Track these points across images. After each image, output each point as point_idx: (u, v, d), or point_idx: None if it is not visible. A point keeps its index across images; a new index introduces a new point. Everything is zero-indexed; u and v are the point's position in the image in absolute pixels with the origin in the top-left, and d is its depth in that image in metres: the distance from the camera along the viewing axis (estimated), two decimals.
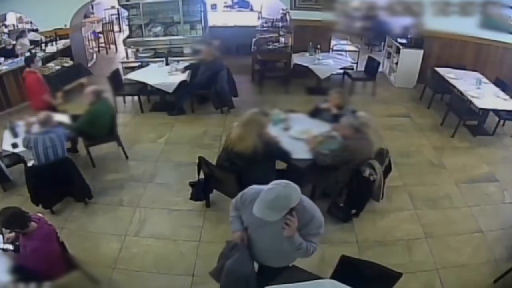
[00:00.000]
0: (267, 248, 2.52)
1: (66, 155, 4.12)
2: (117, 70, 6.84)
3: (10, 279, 2.54)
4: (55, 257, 2.93)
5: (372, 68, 7.16)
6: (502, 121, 5.84)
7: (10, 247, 2.86)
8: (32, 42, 7.74)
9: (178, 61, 6.88)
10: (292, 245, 2.34)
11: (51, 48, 7.36)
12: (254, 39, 7.82)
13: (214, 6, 9.91)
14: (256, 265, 2.62)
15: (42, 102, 5.07)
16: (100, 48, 10.05)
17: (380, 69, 7.40)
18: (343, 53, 8.08)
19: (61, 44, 7.55)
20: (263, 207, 2.19)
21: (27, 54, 6.98)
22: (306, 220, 2.36)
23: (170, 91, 6.13)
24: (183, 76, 6.28)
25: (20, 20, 9.22)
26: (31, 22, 8.71)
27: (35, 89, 5.18)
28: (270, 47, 7.58)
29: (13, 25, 9.06)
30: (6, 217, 2.73)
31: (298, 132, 4.30)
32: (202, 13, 7.82)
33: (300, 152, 3.91)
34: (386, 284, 2.51)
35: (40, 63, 5.54)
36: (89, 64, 8.63)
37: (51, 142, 3.95)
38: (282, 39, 7.75)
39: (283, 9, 8.66)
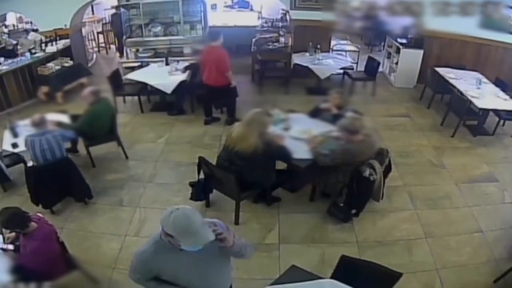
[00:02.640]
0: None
1: (64, 155, 4.10)
2: (117, 70, 6.84)
3: (10, 279, 2.54)
4: (55, 257, 2.93)
5: (372, 68, 7.16)
6: (502, 121, 5.84)
7: (10, 247, 2.87)
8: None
9: (178, 61, 6.88)
10: (238, 253, 2.16)
11: (51, 48, 7.36)
12: (254, 39, 7.82)
13: (214, 6, 9.91)
14: None
15: (224, 78, 5.53)
16: (100, 48, 10.06)
17: (380, 69, 7.40)
18: (343, 53, 8.08)
19: (61, 44, 7.55)
20: (194, 235, 1.85)
21: (27, 54, 7.01)
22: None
23: (170, 91, 6.12)
24: (183, 76, 6.29)
25: (20, 20, 9.22)
26: (31, 22, 8.71)
27: (223, 64, 5.48)
28: (270, 47, 7.59)
29: (13, 25, 9.06)
30: (6, 217, 2.73)
31: (298, 132, 4.30)
32: (202, 13, 7.83)
33: (300, 152, 3.91)
34: (386, 284, 2.51)
35: (222, 40, 5.61)
36: (89, 64, 8.63)
37: (48, 143, 3.91)
38: (282, 39, 7.76)
39: (283, 9, 8.66)
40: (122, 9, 7.66)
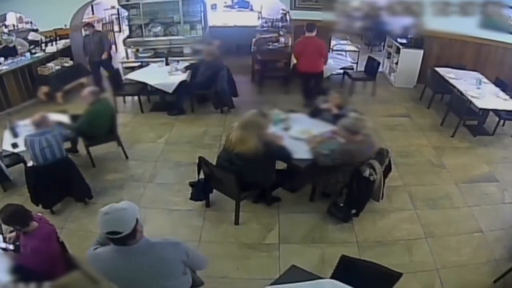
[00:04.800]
0: None
1: (64, 155, 4.10)
2: (117, 70, 6.84)
3: (10, 279, 2.54)
4: (55, 257, 2.93)
5: (372, 68, 7.16)
6: (502, 121, 5.84)
7: (11, 246, 2.87)
8: (32, 42, 7.74)
9: (178, 61, 6.89)
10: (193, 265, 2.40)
11: (51, 48, 7.36)
12: (254, 39, 7.82)
13: (214, 6, 9.92)
14: None
15: (322, 64, 6.24)
16: None
17: (380, 69, 7.40)
18: (343, 53, 8.08)
19: (61, 44, 7.55)
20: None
21: (27, 54, 7.01)
22: None
23: (170, 91, 6.13)
24: (183, 76, 6.29)
25: (20, 20, 9.22)
26: (31, 22, 8.72)
27: (324, 51, 6.24)
28: (270, 47, 7.58)
29: (13, 25, 9.07)
30: (8, 213, 2.74)
31: (298, 132, 4.30)
32: (202, 13, 7.84)
33: (300, 152, 3.91)
34: (386, 284, 2.51)
35: (316, 31, 6.14)
36: None
37: (47, 142, 3.91)
38: (282, 39, 7.75)
39: (283, 9, 8.66)
40: (122, 9, 7.66)
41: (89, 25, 7.14)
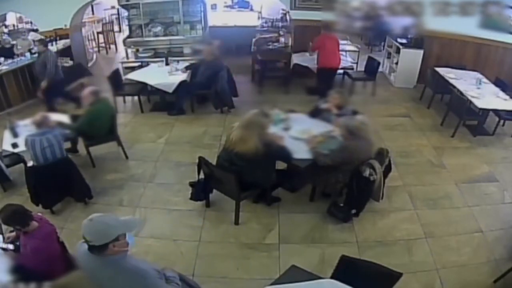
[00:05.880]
0: None
1: (64, 155, 4.11)
2: (117, 70, 6.84)
3: (10, 279, 2.54)
4: (55, 257, 2.93)
5: (372, 68, 7.15)
6: (502, 121, 5.84)
7: (11, 246, 2.87)
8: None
9: (178, 61, 6.89)
10: None
11: (51, 48, 7.34)
12: (254, 39, 7.83)
13: (214, 6, 9.92)
14: None
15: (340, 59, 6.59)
16: (100, 48, 10.06)
17: (380, 69, 7.39)
18: (343, 53, 8.06)
19: (61, 44, 7.55)
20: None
21: (27, 54, 7.01)
22: None
23: (170, 91, 6.13)
24: (183, 76, 6.29)
25: (20, 20, 9.22)
26: (31, 22, 8.72)
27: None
28: (270, 47, 7.59)
29: (13, 25, 9.06)
30: (8, 213, 2.75)
31: (298, 132, 4.30)
32: (202, 13, 7.83)
33: (300, 152, 3.92)
34: (386, 284, 2.51)
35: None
36: (89, 64, 8.64)
37: (48, 142, 3.92)
38: (282, 39, 7.75)
39: (283, 9, 8.66)
40: (122, 9, 7.64)
41: (40, 41, 6.12)
